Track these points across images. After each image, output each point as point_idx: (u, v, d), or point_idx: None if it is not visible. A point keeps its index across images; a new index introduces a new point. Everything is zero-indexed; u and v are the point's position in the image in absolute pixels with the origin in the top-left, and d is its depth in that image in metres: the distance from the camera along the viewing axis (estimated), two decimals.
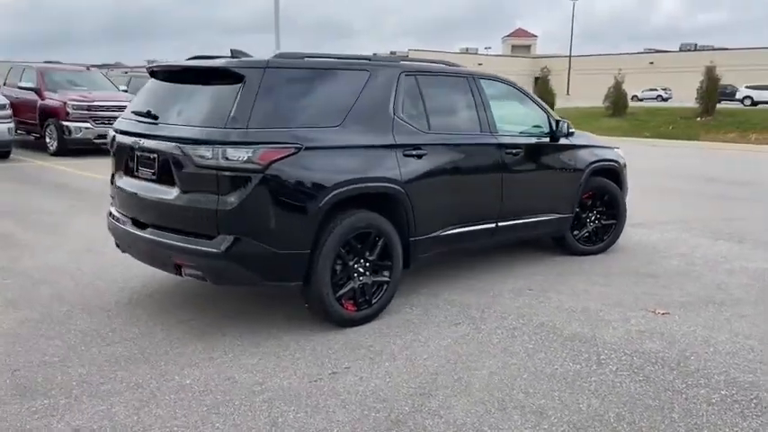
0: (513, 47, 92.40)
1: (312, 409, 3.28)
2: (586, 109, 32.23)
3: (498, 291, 5.18)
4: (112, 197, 4.77)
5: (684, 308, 4.85)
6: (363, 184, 4.25)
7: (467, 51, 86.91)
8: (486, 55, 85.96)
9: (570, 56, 66.87)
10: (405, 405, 3.33)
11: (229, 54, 4.37)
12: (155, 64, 4.83)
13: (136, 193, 4.30)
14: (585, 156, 6.07)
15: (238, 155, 3.72)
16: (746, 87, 42.07)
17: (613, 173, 6.41)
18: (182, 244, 3.92)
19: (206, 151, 3.76)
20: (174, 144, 3.93)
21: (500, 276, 5.56)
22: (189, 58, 4.75)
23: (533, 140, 5.62)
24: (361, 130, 4.32)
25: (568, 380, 3.64)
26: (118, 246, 4.75)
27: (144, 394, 3.41)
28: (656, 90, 54.69)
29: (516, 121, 5.57)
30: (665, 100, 51.51)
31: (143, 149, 4.21)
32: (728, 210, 9.05)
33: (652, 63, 67.63)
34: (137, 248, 4.44)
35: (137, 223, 4.35)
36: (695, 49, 71.33)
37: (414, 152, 4.54)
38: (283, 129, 3.96)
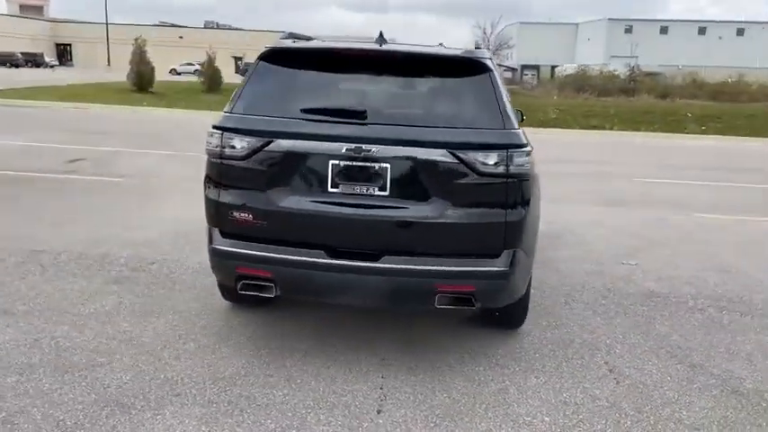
0: (22, 6, 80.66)
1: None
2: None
3: None
4: (250, 222, 3.17)
5: (635, 257, 5.45)
6: None
7: None
8: None
9: (107, 23, 62.07)
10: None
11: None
12: (308, 43, 3.56)
13: (346, 216, 3.10)
14: None
15: (523, 159, 3.13)
16: None
17: None
18: (456, 268, 3.10)
19: (492, 157, 3.06)
20: (440, 150, 3.06)
21: None
22: (284, 37, 3.62)
23: None
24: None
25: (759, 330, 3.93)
26: (265, 289, 3.16)
27: None
28: (193, 64, 55.40)
29: None
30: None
31: (366, 158, 3.06)
32: None
33: (182, 37, 68.32)
34: (345, 287, 3.15)
35: (342, 255, 3.12)
36: (218, 27, 75.24)
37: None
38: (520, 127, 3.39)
